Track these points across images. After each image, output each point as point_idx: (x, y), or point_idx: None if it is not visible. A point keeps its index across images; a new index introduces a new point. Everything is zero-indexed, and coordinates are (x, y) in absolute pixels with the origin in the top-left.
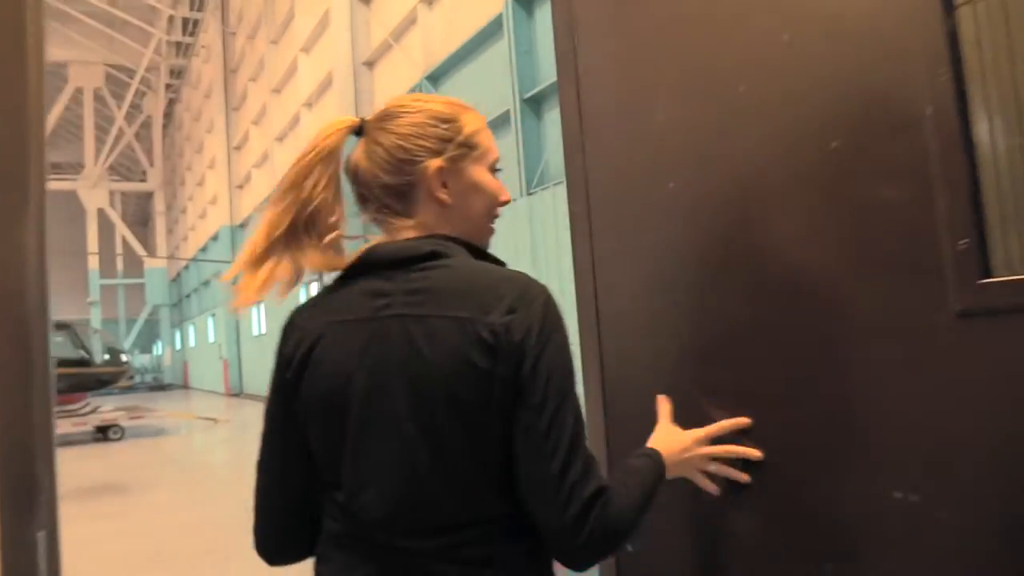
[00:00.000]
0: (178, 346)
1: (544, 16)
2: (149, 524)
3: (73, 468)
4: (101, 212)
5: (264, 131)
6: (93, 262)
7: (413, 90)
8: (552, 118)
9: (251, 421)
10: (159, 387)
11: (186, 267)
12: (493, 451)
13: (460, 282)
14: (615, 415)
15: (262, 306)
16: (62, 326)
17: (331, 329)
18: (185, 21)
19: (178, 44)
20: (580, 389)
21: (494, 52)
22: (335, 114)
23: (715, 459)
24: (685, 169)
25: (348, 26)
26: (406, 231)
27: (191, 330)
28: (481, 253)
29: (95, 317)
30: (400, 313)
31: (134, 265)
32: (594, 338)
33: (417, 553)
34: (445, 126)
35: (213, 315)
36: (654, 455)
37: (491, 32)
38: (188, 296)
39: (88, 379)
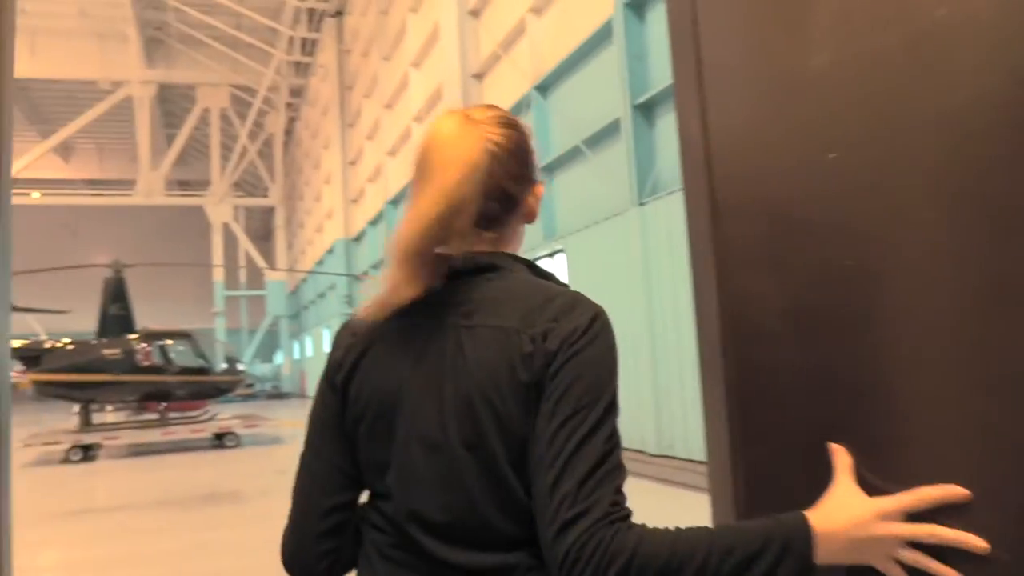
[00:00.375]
0: (296, 356)
1: (656, 18)
2: (254, 537)
3: (188, 475)
4: (226, 226)
5: (377, 146)
6: (218, 274)
7: (522, 101)
8: (665, 124)
9: None
10: (278, 395)
11: (304, 279)
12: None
13: (513, 294)
14: (752, 468)
15: None
16: (183, 335)
17: (384, 336)
18: (304, 41)
19: (297, 64)
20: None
21: (604, 58)
22: None
23: (912, 545)
24: (852, 131)
25: (457, 39)
26: (482, 244)
27: (308, 341)
28: (542, 272)
29: (219, 327)
30: (453, 322)
31: (256, 277)
32: (718, 366)
33: (469, 570)
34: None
35: (328, 326)
36: (790, 522)
37: (601, 38)
38: (306, 308)
39: (207, 387)
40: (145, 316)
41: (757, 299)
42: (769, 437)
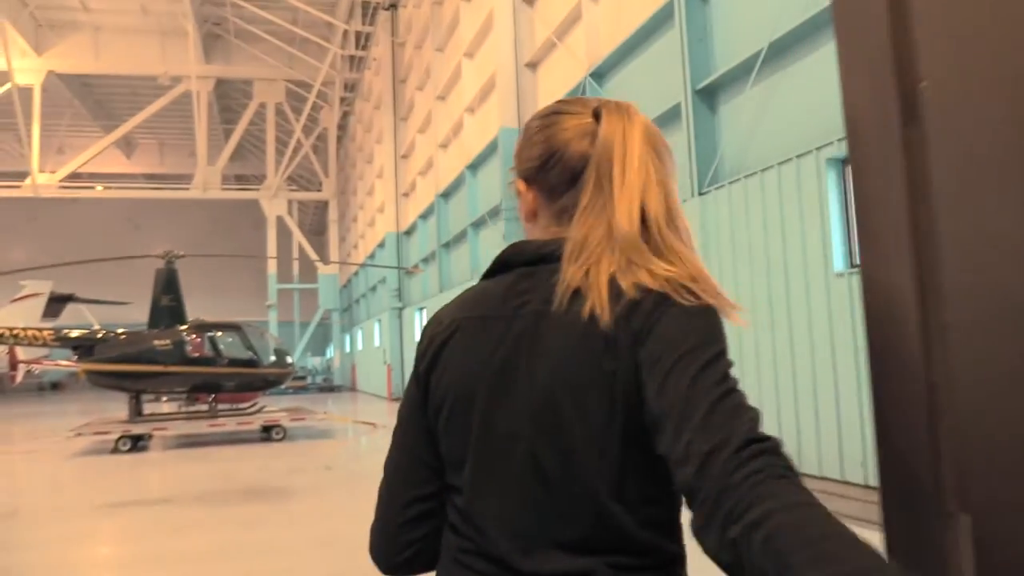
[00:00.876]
0: (347, 349)
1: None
2: (293, 537)
3: (232, 467)
4: (280, 220)
5: (429, 139)
6: (271, 267)
7: (577, 89)
8: (728, 110)
9: None
10: (329, 388)
11: (356, 273)
12: (622, 469)
13: None
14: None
15: (424, 311)
16: (232, 327)
17: (466, 324)
18: (358, 35)
19: (351, 58)
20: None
21: (664, 42)
22: (497, 118)
23: None
24: None
25: (511, 27)
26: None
27: (359, 334)
28: None
29: (272, 320)
30: (536, 310)
31: (309, 271)
32: (916, 363)
33: None
34: None
35: (379, 320)
36: None
37: (661, 20)
38: (357, 301)
39: (256, 379)
40: (201, 309)
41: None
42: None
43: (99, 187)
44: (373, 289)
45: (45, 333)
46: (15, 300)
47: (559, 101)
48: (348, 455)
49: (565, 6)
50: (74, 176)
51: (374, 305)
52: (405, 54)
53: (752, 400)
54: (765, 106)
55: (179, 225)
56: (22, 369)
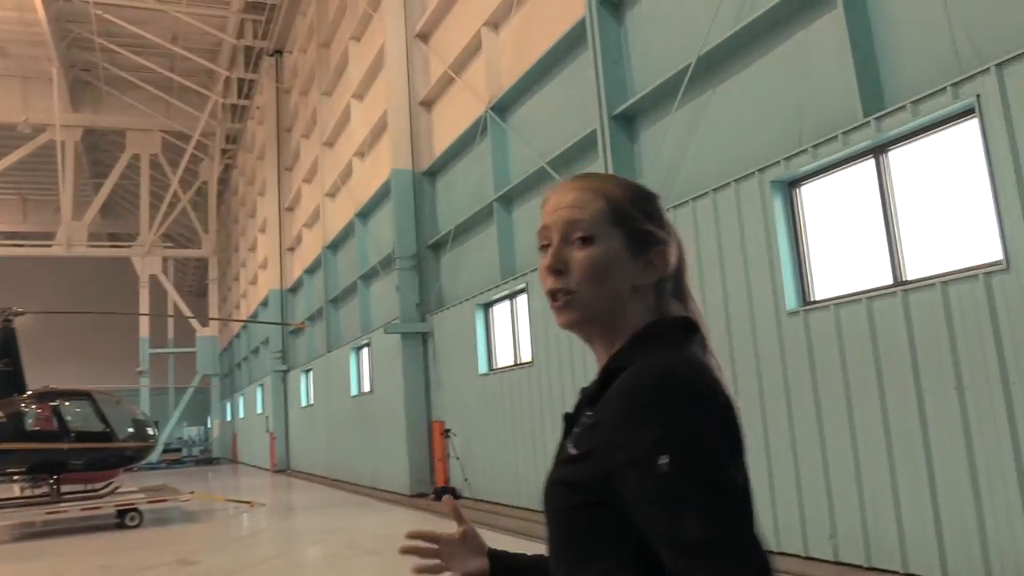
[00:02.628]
0: (228, 418)
1: (637, 15)
2: None
3: (63, 569)
4: (153, 279)
5: (315, 188)
6: (144, 330)
7: (476, 125)
8: (649, 136)
9: (291, 505)
10: (207, 461)
11: (237, 335)
12: None
13: None
14: None
15: (311, 374)
16: (81, 395)
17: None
18: (241, 83)
19: (234, 107)
20: None
21: (575, 67)
22: (389, 160)
23: None
24: None
25: (403, 64)
26: None
27: (240, 401)
28: None
29: (144, 386)
30: None
31: (186, 335)
32: None
33: None
34: None
35: (262, 385)
36: None
37: (571, 43)
38: (239, 365)
39: (109, 455)
40: (66, 376)
41: None
42: None
43: None
44: (255, 351)
45: None
46: None
47: None
48: (214, 545)
49: (463, 37)
50: None
51: (256, 369)
52: (291, 101)
53: None
54: (693, 127)
55: (43, 286)
56: None
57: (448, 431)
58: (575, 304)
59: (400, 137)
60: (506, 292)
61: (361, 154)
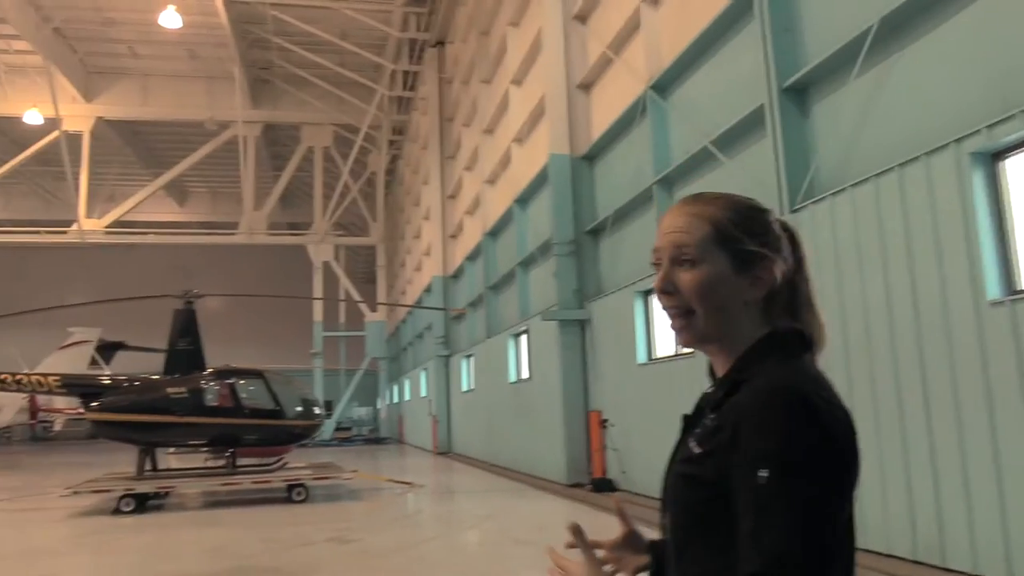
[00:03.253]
0: (395, 399)
1: None
2: None
3: (231, 539)
4: (327, 266)
5: (476, 176)
6: (318, 314)
7: (635, 105)
8: (823, 109)
9: (449, 488)
10: (375, 440)
11: (403, 321)
12: None
13: None
14: None
15: (471, 359)
16: (253, 374)
17: None
18: (406, 75)
19: (399, 99)
20: None
21: (741, 39)
22: (546, 145)
23: None
24: None
25: (561, 47)
26: None
27: (406, 384)
28: None
29: (317, 367)
30: None
31: (356, 319)
32: None
33: None
34: None
35: (425, 369)
36: None
37: (736, 13)
38: (404, 350)
39: (279, 431)
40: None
41: None
42: None
43: (146, 233)
44: (420, 336)
45: (50, 379)
46: (62, 348)
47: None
48: (371, 524)
49: (621, 16)
50: (126, 224)
51: (421, 353)
52: (452, 91)
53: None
54: (876, 97)
55: (229, 273)
56: (61, 418)
57: (606, 421)
58: (691, 328)
59: (558, 121)
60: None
61: (519, 140)
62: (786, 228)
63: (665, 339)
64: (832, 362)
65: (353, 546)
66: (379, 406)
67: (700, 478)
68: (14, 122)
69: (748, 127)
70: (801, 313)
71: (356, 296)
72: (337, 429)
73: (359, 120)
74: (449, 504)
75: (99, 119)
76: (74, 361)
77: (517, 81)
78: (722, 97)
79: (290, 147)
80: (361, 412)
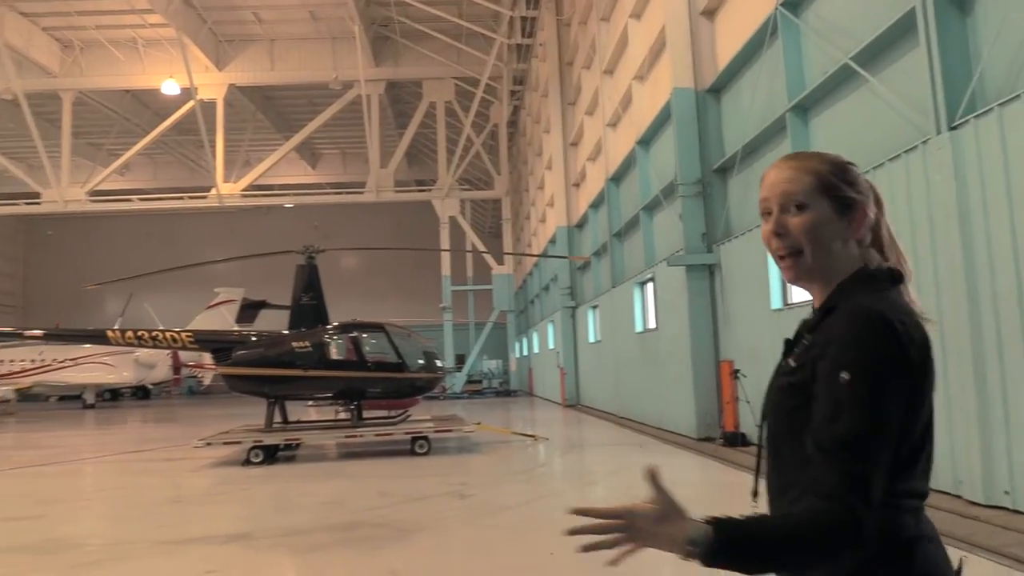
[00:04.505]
0: (524, 352)
1: None
2: None
3: (350, 491)
4: (453, 221)
5: (597, 120)
6: (445, 268)
7: (764, 28)
8: (985, 8)
9: (574, 442)
10: (506, 393)
11: (530, 273)
12: None
13: None
14: None
15: (597, 310)
16: (375, 327)
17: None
18: (524, 20)
19: (518, 47)
20: None
21: None
22: (669, 81)
23: None
24: None
25: None
26: None
27: (534, 336)
28: None
29: (446, 321)
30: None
31: (484, 273)
32: None
33: None
34: None
35: (552, 321)
36: None
37: None
38: (532, 302)
39: (402, 384)
40: (385, 311)
41: None
42: None
43: (280, 195)
44: (546, 288)
45: (184, 335)
46: (210, 307)
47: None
48: (490, 478)
49: None
50: (260, 187)
51: (547, 306)
52: (571, 33)
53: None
54: None
55: (362, 230)
56: (208, 373)
57: (737, 372)
58: (800, 265)
59: (680, 53)
60: None
61: (640, 78)
62: (868, 182)
63: None
64: (1008, 289)
65: (469, 501)
66: (509, 359)
67: (795, 385)
68: (154, 94)
69: (895, 37)
70: (888, 252)
71: (481, 247)
72: (468, 382)
73: (479, 72)
74: (571, 458)
75: (231, 86)
76: (221, 319)
77: (636, 14)
78: (864, 5)
79: (412, 104)
80: (491, 365)
